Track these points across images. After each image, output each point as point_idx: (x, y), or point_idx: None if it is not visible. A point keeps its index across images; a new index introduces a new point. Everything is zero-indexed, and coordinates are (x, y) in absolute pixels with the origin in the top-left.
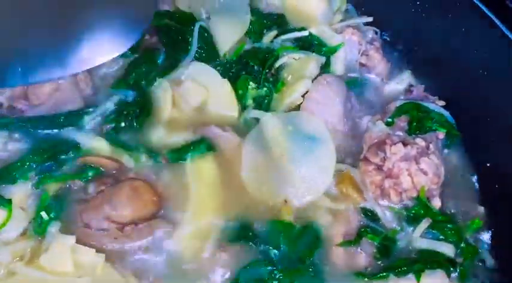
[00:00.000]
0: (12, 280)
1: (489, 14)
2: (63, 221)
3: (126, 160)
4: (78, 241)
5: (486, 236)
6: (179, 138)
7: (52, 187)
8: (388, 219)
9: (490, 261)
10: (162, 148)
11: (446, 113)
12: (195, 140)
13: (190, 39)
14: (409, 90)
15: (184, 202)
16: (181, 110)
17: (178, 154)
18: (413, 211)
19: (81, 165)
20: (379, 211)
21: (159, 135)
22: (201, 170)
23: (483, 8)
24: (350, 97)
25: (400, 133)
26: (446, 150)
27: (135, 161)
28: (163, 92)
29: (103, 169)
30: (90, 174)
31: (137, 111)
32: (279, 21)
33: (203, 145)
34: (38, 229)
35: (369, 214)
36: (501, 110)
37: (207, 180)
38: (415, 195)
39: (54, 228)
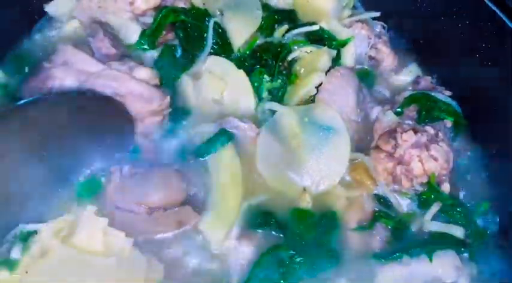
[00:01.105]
0: (46, 257)
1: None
2: (98, 202)
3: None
4: (109, 223)
5: (494, 218)
6: (203, 130)
7: None
8: (400, 204)
9: (498, 242)
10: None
11: (453, 103)
12: (216, 133)
13: (205, 35)
14: (416, 81)
15: (208, 191)
16: (201, 103)
17: (201, 150)
18: (424, 196)
19: None
20: (391, 197)
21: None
22: (221, 161)
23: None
24: (362, 88)
25: (410, 122)
26: (454, 138)
27: None
28: (184, 86)
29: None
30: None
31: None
32: (290, 17)
33: (224, 137)
34: None
35: (382, 200)
36: (505, 98)
37: (228, 170)
38: (425, 180)
39: (88, 210)
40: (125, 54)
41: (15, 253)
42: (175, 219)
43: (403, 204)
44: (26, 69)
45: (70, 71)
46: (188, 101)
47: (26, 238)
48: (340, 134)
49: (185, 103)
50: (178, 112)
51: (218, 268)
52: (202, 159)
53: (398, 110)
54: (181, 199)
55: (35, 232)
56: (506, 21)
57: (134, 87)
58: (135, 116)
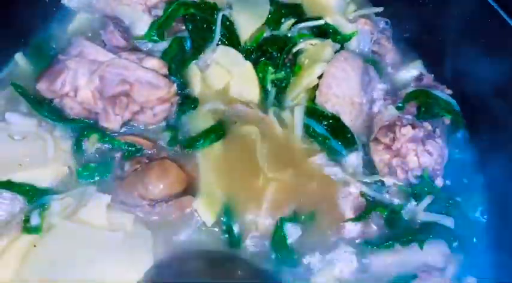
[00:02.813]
0: (51, 232)
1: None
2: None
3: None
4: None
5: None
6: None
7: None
8: (394, 194)
9: (487, 233)
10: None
11: (453, 101)
12: (208, 128)
13: (213, 27)
14: (419, 78)
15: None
16: (208, 92)
17: (194, 142)
18: (417, 188)
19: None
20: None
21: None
22: (208, 156)
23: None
24: (368, 69)
25: (409, 117)
26: (451, 134)
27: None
28: (192, 75)
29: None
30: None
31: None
32: (296, 11)
33: (214, 134)
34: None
35: (377, 191)
36: (504, 98)
37: (214, 164)
38: (419, 173)
39: (92, 188)
40: (135, 46)
41: (34, 220)
42: (177, 209)
43: (398, 195)
44: (45, 58)
45: (83, 61)
46: (195, 90)
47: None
48: None
49: (192, 92)
50: (186, 100)
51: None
52: (194, 150)
53: (400, 104)
54: (181, 189)
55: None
56: (508, 20)
57: (142, 75)
58: (144, 103)
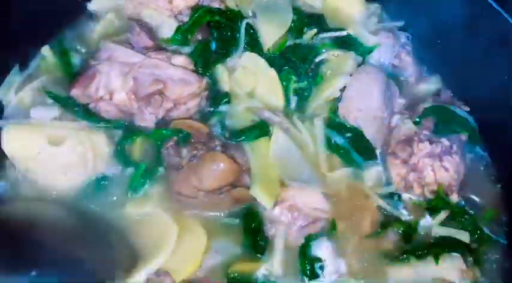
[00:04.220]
0: None
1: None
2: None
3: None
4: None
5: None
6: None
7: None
8: (410, 209)
9: (503, 248)
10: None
11: (470, 118)
12: (257, 123)
13: (237, 35)
14: (437, 93)
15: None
16: (235, 93)
17: (241, 135)
18: (433, 203)
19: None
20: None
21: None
22: (257, 148)
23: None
24: (390, 85)
25: (427, 132)
26: (468, 151)
27: None
28: (221, 74)
29: (191, 132)
30: (181, 135)
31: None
32: (319, 21)
33: (260, 130)
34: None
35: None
36: None
37: (264, 156)
38: (435, 188)
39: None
40: (160, 46)
41: None
42: (230, 198)
43: (413, 210)
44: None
45: (114, 65)
46: (225, 86)
47: None
48: None
49: (221, 88)
50: (215, 96)
51: None
52: (239, 141)
53: (417, 119)
54: (233, 179)
55: None
56: None
57: (174, 72)
58: (177, 100)
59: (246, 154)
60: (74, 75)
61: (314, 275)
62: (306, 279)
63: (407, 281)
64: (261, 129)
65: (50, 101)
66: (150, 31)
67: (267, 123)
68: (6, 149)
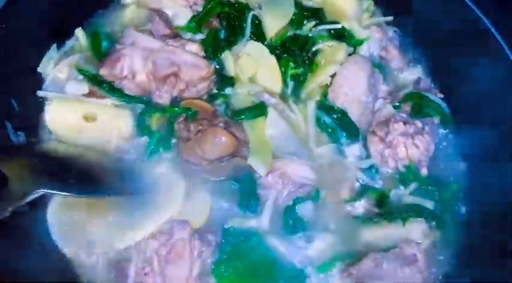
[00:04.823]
0: None
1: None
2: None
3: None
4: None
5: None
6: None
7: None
8: (385, 180)
9: (462, 216)
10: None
11: (443, 104)
12: (256, 104)
13: (244, 25)
14: (417, 81)
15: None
16: (242, 76)
17: (242, 113)
18: (405, 176)
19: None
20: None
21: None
22: (255, 126)
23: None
24: (374, 73)
25: (404, 115)
26: (441, 133)
27: None
28: (227, 60)
29: (198, 110)
30: (190, 113)
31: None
32: (317, 14)
33: (260, 110)
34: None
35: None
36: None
37: (261, 133)
38: (407, 163)
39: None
40: (176, 34)
41: None
42: (230, 167)
43: (387, 180)
44: (101, 39)
45: (137, 49)
46: (230, 71)
47: None
48: None
49: (227, 73)
50: (221, 80)
51: None
52: (239, 119)
53: (397, 104)
54: (232, 151)
55: None
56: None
57: (187, 58)
58: (189, 82)
59: (245, 130)
60: (102, 55)
61: (294, 230)
62: (288, 232)
63: (378, 240)
64: (259, 109)
65: (81, 77)
66: (168, 20)
67: (265, 104)
68: (49, 121)
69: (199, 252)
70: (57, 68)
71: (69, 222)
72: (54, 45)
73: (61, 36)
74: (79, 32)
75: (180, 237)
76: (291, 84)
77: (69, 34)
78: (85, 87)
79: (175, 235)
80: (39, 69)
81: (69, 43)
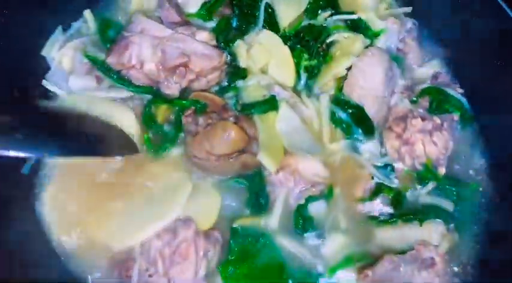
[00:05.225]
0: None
1: None
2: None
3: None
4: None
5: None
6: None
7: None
8: (401, 178)
9: (483, 218)
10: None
11: (463, 100)
12: (267, 98)
13: (257, 13)
14: (435, 76)
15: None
16: (251, 68)
17: (252, 107)
18: (422, 174)
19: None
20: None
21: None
22: (266, 121)
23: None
24: (392, 66)
25: (421, 110)
26: (459, 130)
27: None
28: (239, 50)
29: (207, 103)
30: (199, 106)
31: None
32: (333, 3)
33: (270, 104)
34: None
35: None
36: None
37: (271, 126)
38: (425, 161)
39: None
40: (187, 21)
41: None
42: (239, 163)
43: (404, 179)
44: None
45: (145, 37)
46: (242, 62)
47: None
48: None
49: (239, 64)
50: (233, 72)
51: None
52: (249, 114)
53: (414, 99)
54: (242, 146)
55: None
56: None
57: (198, 47)
58: (199, 73)
59: (255, 125)
60: (109, 41)
61: (305, 229)
62: (298, 232)
63: (393, 241)
64: (270, 104)
65: (84, 69)
66: (178, 6)
67: (276, 98)
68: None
69: (205, 252)
70: (61, 52)
71: (64, 216)
72: (60, 28)
73: (67, 17)
74: (87, 14)
75: (184, 237)
76: (304, 76)
77: (76, 16)
78: (91, 82)
79: (180, 234)
80: (43, 53)
81: (76, 25)
